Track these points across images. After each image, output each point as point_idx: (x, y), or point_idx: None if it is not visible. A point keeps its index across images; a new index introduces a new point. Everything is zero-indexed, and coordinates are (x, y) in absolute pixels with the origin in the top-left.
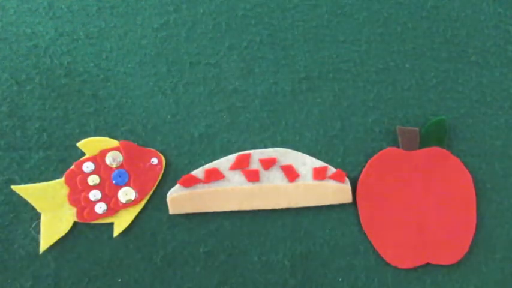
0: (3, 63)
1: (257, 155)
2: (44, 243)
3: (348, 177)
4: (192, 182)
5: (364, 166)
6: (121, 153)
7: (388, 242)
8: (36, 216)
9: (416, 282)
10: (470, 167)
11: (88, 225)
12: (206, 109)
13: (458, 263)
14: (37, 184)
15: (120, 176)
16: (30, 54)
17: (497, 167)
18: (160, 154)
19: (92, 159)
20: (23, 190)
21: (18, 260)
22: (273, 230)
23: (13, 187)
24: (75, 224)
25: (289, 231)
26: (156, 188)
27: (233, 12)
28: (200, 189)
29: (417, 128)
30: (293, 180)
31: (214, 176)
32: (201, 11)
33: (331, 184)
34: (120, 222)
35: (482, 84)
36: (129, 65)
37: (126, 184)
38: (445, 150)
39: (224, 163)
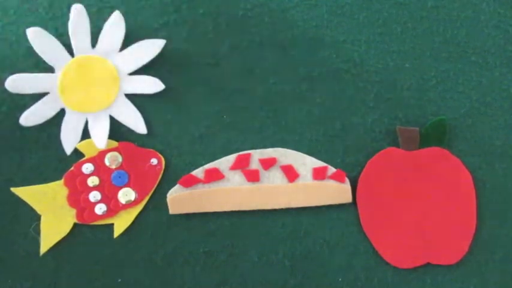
0: (3, 63)
1: (257, 155)
2: (44, 245)
3: (348, 177)
4: (192, 182)
5: (364, 166)
6: (120, 154)
7: (388, 242)
8: (36, 216)
9: (416, 282)
10: (470, 167)
11: (88, 225)
12: (206, 109)
13: (458, 263)
14: (36, 186)
15: (119, 177)
16: (30, 54)
17: (497, 167)
18: (159, 154)
19: (91, 160)
20: (23, 192)
21: (18, 260)
22: (273, 230)
23: (12, 189)
24: (75, 224)
25: (289, 231)
26: (156, 188)
27: (233, 12)
28: (200, 189)
29: (417, 128)
30: (293, 180)
31: (214, 176)
32: (201, 11)
33: (331, 184)
34: (120, 223)
35: (482, 84)
36: None
37: (126, 185)
38: (445, 150)
39: (224, 163)
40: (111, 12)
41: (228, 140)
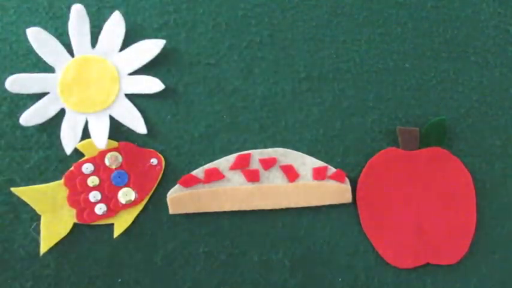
0: (3, 63)
1: (257, 155)
2: (44, 245)
3: (348, 177)
4: (192, 182)
5: (364, 166)
6: (120, 154)
7: (388, 242)
8: (37, 216)
9: (416, 282)
10: (470, 167)
11: (88, 225)
12: (206, 109)
13: (458, 263)
14: (36, 186)
15: (119, 177)
16: (30, 54)
17: (497, 167)
18: (159, 155)
19: (91, 160)
20: (23, 192)
21: (18, 260)
22: (273, 230)
23: (12, 189)
24: (75, 224)
25: (289, 231)
26: (156, 188)
27: (233, 12)
28: (200, 189)
29: (417, 128)
30: (293, 180)
31: (214, 176)
32: (201, 11)
33: (331, 184)
34: (120, 223)
35: (482, 84)
36: None
37: (126, 185)
38: (445, 150)
39: (224, 163)
40: (111, 12)
41: (228, 140)
